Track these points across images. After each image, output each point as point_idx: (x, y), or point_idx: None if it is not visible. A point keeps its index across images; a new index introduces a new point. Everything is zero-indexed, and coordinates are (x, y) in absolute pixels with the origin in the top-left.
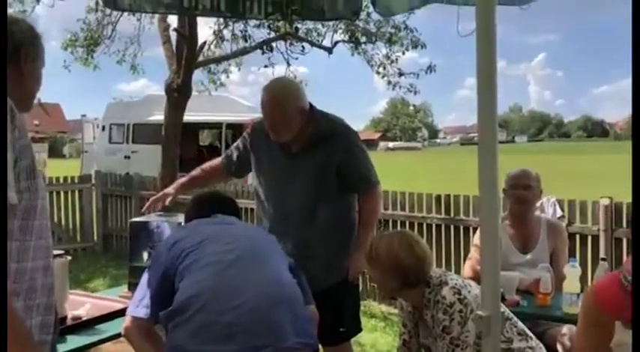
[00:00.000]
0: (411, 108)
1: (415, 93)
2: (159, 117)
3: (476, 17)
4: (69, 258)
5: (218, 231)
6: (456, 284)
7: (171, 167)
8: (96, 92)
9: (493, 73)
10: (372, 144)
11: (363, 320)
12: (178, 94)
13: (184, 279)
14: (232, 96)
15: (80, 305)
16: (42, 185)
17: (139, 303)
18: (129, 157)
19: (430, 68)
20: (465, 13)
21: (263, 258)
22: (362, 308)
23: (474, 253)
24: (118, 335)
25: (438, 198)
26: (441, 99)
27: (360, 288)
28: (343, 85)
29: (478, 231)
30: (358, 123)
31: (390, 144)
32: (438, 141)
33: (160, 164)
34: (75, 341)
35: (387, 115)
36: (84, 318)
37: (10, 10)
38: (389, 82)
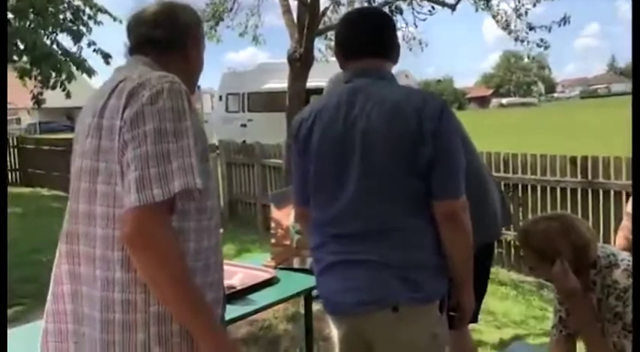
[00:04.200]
0: (526, 61)
1: (546, 48)
2: (272, 85)
3: None
4: (221, 230)
5: (340, 131)
6: (628, 265)
7: None
8: (207, 63)
9: None
10: (483, 101)
11: (492, 287)
12: (300, 63)
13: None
14: None
15: (233, 275)
16: (211, 167)
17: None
18: (245, 125)
19: (565, 20)
20: None
21: None
22: (490, 276)
23: (625, 222)
24: (270, 305)
25: (573, 159)
26: (557, 50)
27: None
28: (451, 41)
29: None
30: (468, 79)
31: (504, 101)
32: (556, 95)
33: (285, 131)
34: (231, 310)
35: (499, 70)
36: (238, 288)
37: None
38: (516, 38)
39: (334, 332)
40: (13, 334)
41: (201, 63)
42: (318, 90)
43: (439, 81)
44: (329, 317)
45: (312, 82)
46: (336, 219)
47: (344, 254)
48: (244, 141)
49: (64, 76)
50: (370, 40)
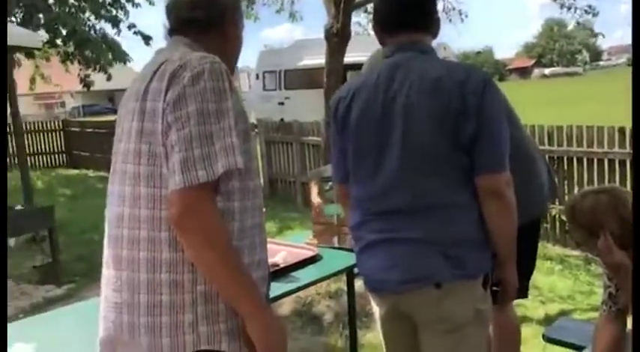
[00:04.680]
0: (570, 29)
1: (594, 14)
2: (309, 61)
3: None
4: (263, 209)
5: (380, 105)
6: None
7: None
8: (244, 41)
9: None
10: (525, 72)
11: (538, 262)
12: (338, 39)
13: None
14: None
15: (276, 253)
16: (254, 147)
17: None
18: (282, 103)
19: None
20: None
21: None
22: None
23: None
24: (313, 283)
25: (622, 129)
26: (603, 16)
27: None
28: (492, 11)
29: None
30: (509, 50)
31: (546, 71)
32: (602, 63)
33: (323, 108)
34: (275, 288)
35: (541, 40)
36: (281, 266)
37: None
38: (562, 5)
39: (376, 309)
40: (66, 311)
41: (240, 42)
42: (356, 66)
43: (479, 53)
44: (370, 295)
45: (351, 57)
46: (377, 195)
47: (386, 232)
48: (282, 119)
49: (103, 61)
50: (409, 14)
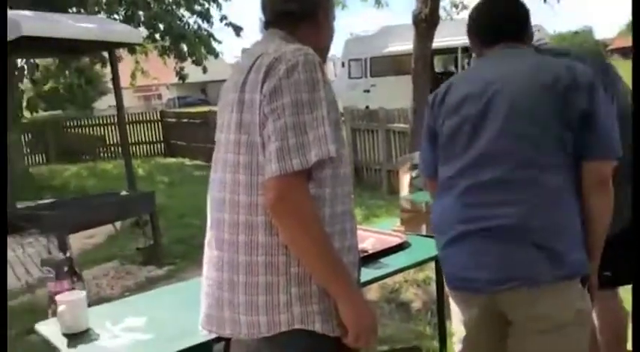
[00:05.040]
0: None
1: None
2: (395, 48)
3: None
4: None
5: (480, 86)
6: None
7: (422, 99)
8: None
9: None
10: (627, 52)
11: None
12: (426, 24)
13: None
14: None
15: (364, 239)
16: (344, 136)
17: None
18: (368, 91)
19: None
20: None
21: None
22: None
23: None
24: (402, 270)
25: None
26: None
27: None
28: None
29: None
30: (610, 29)
31: None
32: None
33: (411, 96)
34: (363, 274)
35: None
36: (370, 252)
37: None
38: None
39: (457, 309)
40: (171, 289)
41: (332, 32)
42: (443, 51)
43: (576, 33)
44: (452, 294)
45: (437, 42)
46: (470, 165)
47: (475, 221)
48: (367, 107)
49: (197, 54)
50: (507, 26)
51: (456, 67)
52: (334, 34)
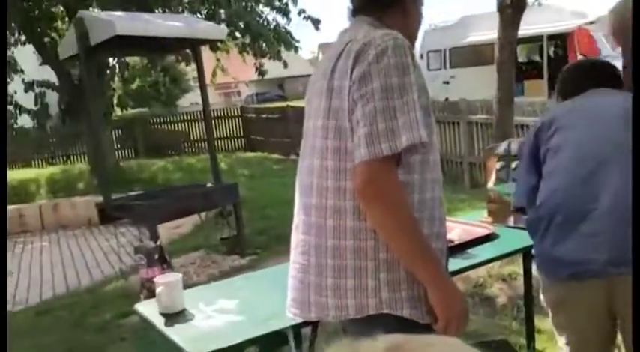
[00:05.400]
0: None
1: None
2: (475, 38)
3: None
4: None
5: (582, 130)
6: None
7: (507, 89)
8: None
9: None
10: None
11: None
12: (512, 10)
13: (544, 182)
14: (557, 2)
15: (450, 230)
16: (434, 121)
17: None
18: (447, 82)
19: None
20: None
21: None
22: None
23: None
24: (490, 261)
25: None
26: None
27: None
28: None
29: None
30: None
31: None
32: None
33: (491, 87)
34: (451, 264)
35: None
36: (456, 242)
37: None
38: None
39: (557, 299)
40: (260, 274)
41: (420, 17)
42: (526, 39)
43: None
44: (554, 283)
45: (521, 30)
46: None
47: (588, 201)
48: (446, 99)
49: (275, 50)
50: (600, 78)
51: (541, 56)
52: (422, 20)
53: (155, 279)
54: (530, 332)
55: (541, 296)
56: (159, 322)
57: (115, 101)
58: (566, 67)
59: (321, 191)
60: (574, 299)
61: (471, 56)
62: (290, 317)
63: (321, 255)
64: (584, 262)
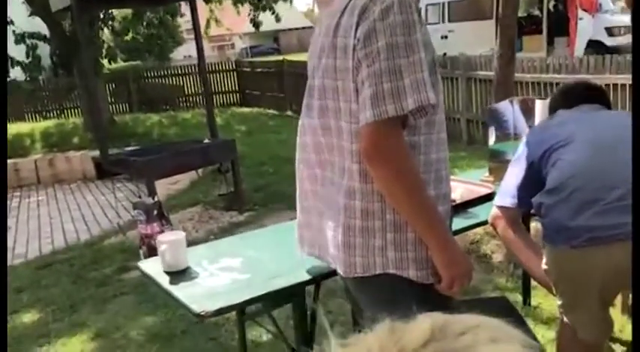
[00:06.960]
0: None
1: None
2: None
3: None
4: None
5: (584, 124)
6: None
7: (509, 45)
8: None
9: None
10: None
11: None
12: None
13: (555, 166)
14: None
15: (453, 189)
16: (439, 79)
17: (505, 194)
18: (446, 37)
19: None
20: None
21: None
22: None
23: None
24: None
25: None
26: None
27: None
28: None
29: None
30: None
31: None
32: None
33: (491, 42)
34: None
35: None
36: (457, 202)
37: None
38: None
39: (571, 268)
40: (263, 232)
41: None
42: None
43: None
44: (570, 252)
45: None
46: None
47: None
48: (444, 54)
49: (271, 1)
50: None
51: (541, 10)
52: None
53: (158, 238)
54: (526, 289)
55: (544, 266)
56: (163, 280)
57: (104, 53)
58: (559, 88)
59: (330, 150)
60: (591, 265)
61: (469, 10)
62: (305, 256)
63: (336, 211)
64: (612, 227)
